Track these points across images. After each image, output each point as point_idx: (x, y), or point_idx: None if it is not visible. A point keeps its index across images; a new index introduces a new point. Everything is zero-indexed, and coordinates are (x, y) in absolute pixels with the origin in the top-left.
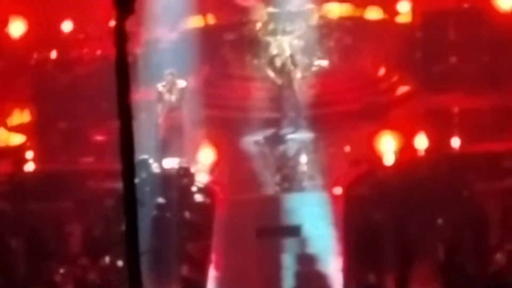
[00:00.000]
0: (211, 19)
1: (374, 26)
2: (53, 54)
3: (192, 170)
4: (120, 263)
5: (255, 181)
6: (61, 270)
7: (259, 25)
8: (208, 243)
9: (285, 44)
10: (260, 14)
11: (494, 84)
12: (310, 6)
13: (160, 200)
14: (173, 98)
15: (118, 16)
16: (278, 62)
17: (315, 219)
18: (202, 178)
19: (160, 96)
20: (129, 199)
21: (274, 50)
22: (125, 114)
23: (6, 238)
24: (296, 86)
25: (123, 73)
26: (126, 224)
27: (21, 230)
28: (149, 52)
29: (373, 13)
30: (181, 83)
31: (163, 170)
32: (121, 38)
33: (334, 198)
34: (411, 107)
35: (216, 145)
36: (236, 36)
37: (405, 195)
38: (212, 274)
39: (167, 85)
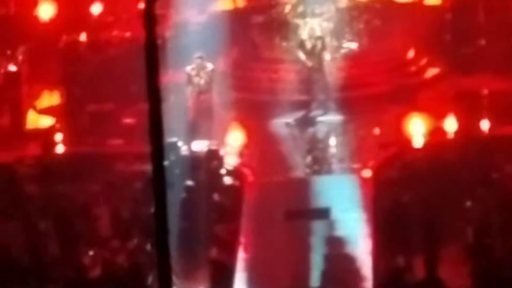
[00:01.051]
0: (240, 2)
1: (403, 8)
2: (82, 37)
3: (221, 152)
4: (148, 245)
5: (284, 163)
6: (90, 252)
7: (288, 7)
8: (237, 226)
9: (315, 26)
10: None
11: None
12: None
13: (189, 182)
14: (202, 81)
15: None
16: (308, 45)
17: (344, 201)
18: (231, 160)
19: (189, 79)
20: (158, 181)
21: (304, 33)
22: (154, 96)
23: (35, 220)
24: (326, 68)
25: (152, 56)
26: (155, 207)
27: (50, 213)
28: (178, 34)
29: None
30: (210, 66)
31: (192, 152)
32: (150, 20)
33: (363, 180)
34: (440, 89)
35: (246, 127)
36: (265, 19)
37: (433, 178)
38: (241, 256)
39: (196, 68)
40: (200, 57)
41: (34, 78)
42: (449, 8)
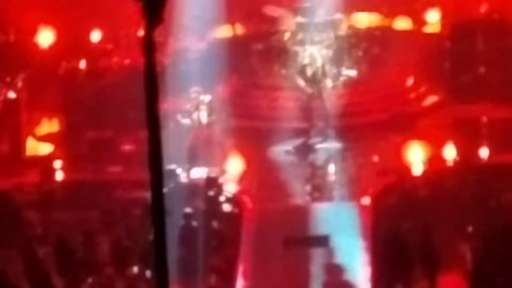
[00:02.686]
0: (239, 29)
1: (403, 36)
2: (82, 64)
3: (221, 180)
4: (147, 273)
5: (283, 191)
6: (89, 280)
7: (287, 35)
8: (235, 253)
9: (314, 54)
10: (289, 24)
11: None
12: (338, 16)
13: (188, 209)
14: (201, 114)
15: (147, 25)
16: (308, 72)
17: (343, 229)
18: (230, 187)
19: (188, 114)
20: (157, 208)
21: (304, 60)
22: (154, 123)
23: (34, 247)
24: (325, 96)
25: (152, 83)
26: (154, 234)
27: (49, 239)
28: (178, 62)
29: (402, 23)
30: (207, 98)
31: (191, 180)
32: (150, 47)
33: (362, 208)
34: (439, 117)
35: (245, 154)
36: (264, 46)
37: (433, 205)
38: (239, 284)
39: (194, 103)
40: (197, 91)
41: (34, 105)
42: (448, 35)
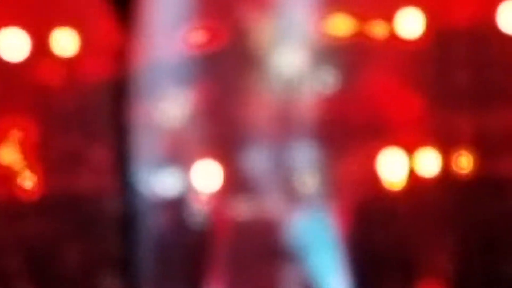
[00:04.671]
0: (213, 34)
1: (381, 42)
2: (52, 70)
3: (194, 189)
4: (119, 284)
5: (259, 201)
6: None
7: (262, 40)
8: (208, 266)
9: (290, 60)
10: (264, 29)
11: (505, 102)
12: (316, 20)
13: (159, 221)
14: (174, 115)
15: (117, 31)
16: (283, 78)
17: (320, 241)
18: (203, 198)
19: (159, 114)
20: (126, 220)
21: (279, 65)
22: (125, 132)
23: (4, 260)
24: (301, 103)
25: (122, 90)
26: (126, 247)
27: (19, 252)
28: (151, 67)
29: (380, 29)
30: (182, 100)
31: (163, 189)
32: (120, 54)
33: (340, 219)
34: (420, 126)
35: (219, 163)
36: (239, 51)
37: (412, 217)
38: None
39: (168, 102)
40: (172, 92)
41: (3, 114)
42: (430, 42)
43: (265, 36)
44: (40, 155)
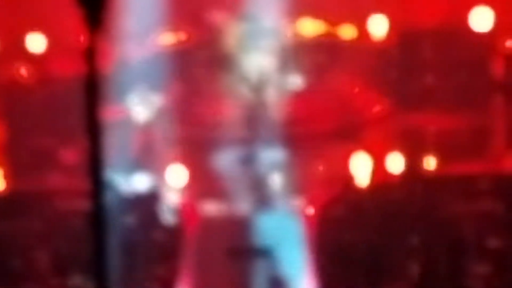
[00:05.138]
0: (182, 36)
1: (349, 45)
2: (23, 70)
3: (163, 189)
4: (89, 284)
5: (227, 200)
6: None
7: (232, 42)
8: (178, 264)
9: (259, 62)
10: (233, 31)
11: (470, 104)
12: (284, 23)
13: (130, 219)
14: (144, 116)
15: (88, 32)
16: (252, 80)
17: (287, 239)
18: (173, 197)
19: (131, 114)
20: (98, 218)
21: (247, 68)
22: (94, 132)
23: None
24: (269, 104)
25: (93, 91)
26: (95, 244)
27: None
28: (120, 69)
29: (348, 31)
30: (152, 101)
31: (133, 189)
32: (91, 55)
33: (307, 218)
34: (386, 126)
35: (188, 163)
36: (208, 53)
37: (379, 216)
38: None
39: (137, 103)
40: (142, 92)
41: None
42: (396, 44)
43: (234, 39)
44: (9, 154)
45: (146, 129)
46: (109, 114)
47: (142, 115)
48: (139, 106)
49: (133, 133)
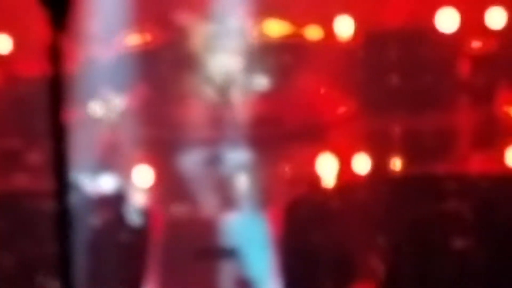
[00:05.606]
0: (149, 37)
1: (315, 45)
2: None
3: (129, 190)
4: (55, 285)
5: (193, 201)
6: None
7: (198, 42)
8: (144, 265)
9: (225, 62)
10: (199, 32)
11: (435, 105)
12: (250, 24)
13: (96, 221)
14: (109, 117)
15: (52, 33)
16: (217, 80)
17: (253, 240)
18: (138, 198)
19: (95, 116)
20: (63, 220)
21: (213, 68)
22: (59, 133)
23: None
24: (235, 105)
25: (57, 92)
26: (60, 246)
27: None
28: (86, 70)
29: (314, 32)
30: (117, 102)
31: (99, 190)
32: (56, 56)
33: (273, 219)
34: (352, 127)
35: (154, 165)
36: (174, 54)
37: (345, 217)
38: None
39: (102, 104)
40: (107, 93)
41: None
42: (361, 45)
43: (200, 40)
44: None
45: (112, 130)
46: (75, 115)
47: (108, 116)
48: (105, 107)
49: (98, 134)
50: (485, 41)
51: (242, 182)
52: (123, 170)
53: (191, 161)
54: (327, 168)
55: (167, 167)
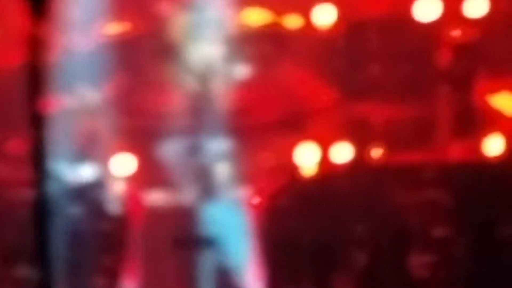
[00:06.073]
0: (128, 27)
1: (295, 34)
2: None
3: (108, 179)
4: (34, 274)
5: (173, 190)
6: None
7: (177, 32)
8: (123, 254)
9: (204, 52)
10: (179, 21)
11: (415, 94)
12: (230, 13)
13: (75, 209)
14: (88, 107)
15: (31, 22)
16: (197, 70)
17: (233, 229)
18: (118, 187)
19: (75, 105)
20: (41, 208)
21: (193, 58)
22: (38, 122)
23: None
24: (215, 94)
25: (36, 81)
26: (38, 235)
27: None
28: (65, 59)
29: (294, 21)
30: (96, 91)
31: (78, 179)
32: (34, 45)
33: (253, 208)
34: (332, 116)
35: (134, 153)
36: (154, 44)
37: (325, 206)
38: (128, 285)
39: (81, 93)
40: (86, 83)
41: None
42: (341, 34)
43: (180, 29)
44: None
45: (91, 119)
46: (54, 104)
47: (87, 105)
48: (84, 96)
49: (78, 123)
50: (465, 30)
51: (223, 171)
52: (102, 159)
53: (171, 150)
54: (307, 157)
55: (147, 156)
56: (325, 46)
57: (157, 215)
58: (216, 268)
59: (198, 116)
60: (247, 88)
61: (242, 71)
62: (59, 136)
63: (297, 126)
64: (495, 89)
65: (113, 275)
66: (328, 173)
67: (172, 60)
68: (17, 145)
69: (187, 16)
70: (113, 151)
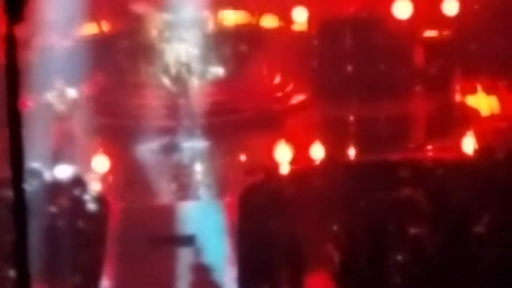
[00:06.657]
0: (105, 27)
1: (270, 34)
2: None
3: (85, 178)
4: (12, 272)
5: (149, 190)
6: None
7: (154, 32)
8: (101, 253)
9: (181, 52)
10: (155, 22)
11: (389, 93)
12: (206, 13)
13: (52, 208)
14: (64, 107)
15: (8, 22)
16: (173, 70)
17: (209, 228)
18: (95, 186)
19: (51, 105)
20: (19, 207)
21: (169, 58)
22: (15, 121)
23: None
24: (191, 94)
25: (13, 80)
26: (16, 233)
27: None
28: (42, 59)
29: (269, 21)
30: (72, 92)
31: (55, 178)
32: (12, 44)
33: (229, 207)
34: (307, 116)
35: (110, 153)
36: (131, 44)
37: (300, 205)
38: (105, 284)
39: (57, 94)
40: (62, 83)
41: None
42: (316, 34)
43: (156, 30)
44: None
45: (69, 118)
46: (31, 103)
47: (64, 105)
48: (61, 96)
49: (55, 122)
50: (440, 29)
51: (199, 170)
52: (79, 158)
53: (147, 150)
54: (282, 156)
55: (124, 156)
56: (300, 46)
57: (135, 214)
58: (193, 266)
59: (175, 115)
60: (223, 88)
61: (218, 71)
62: (37, 135)
63: (272, 125)
64: (471, 89)
65: (90, 273)
66: (303, 171)
67: (149, 60)
68: None
69: (164, 16)
70: (91, 151)
